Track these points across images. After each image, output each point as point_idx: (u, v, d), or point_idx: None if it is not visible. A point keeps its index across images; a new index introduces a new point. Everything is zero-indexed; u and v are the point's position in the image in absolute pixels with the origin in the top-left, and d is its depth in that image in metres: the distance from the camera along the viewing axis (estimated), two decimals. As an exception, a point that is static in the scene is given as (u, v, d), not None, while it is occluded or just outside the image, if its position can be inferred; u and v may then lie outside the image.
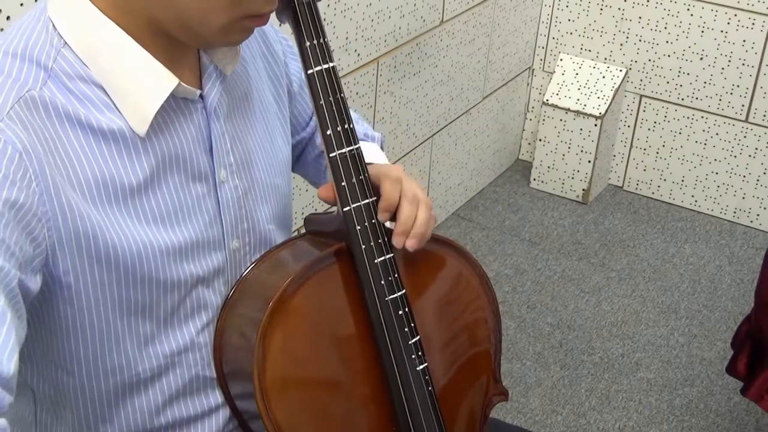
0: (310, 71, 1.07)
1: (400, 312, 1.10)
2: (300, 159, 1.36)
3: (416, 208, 1.11)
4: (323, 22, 1.08)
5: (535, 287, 2.88)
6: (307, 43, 1.06)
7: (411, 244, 1.10)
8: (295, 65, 1.25)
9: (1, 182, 0.88)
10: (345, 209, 1.08)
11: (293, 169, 1.37)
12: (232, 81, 1.11)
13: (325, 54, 1.07)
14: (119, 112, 0.98)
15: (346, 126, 1.08)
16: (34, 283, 0.93)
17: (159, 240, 1.02)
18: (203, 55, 1.06)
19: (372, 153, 1.27)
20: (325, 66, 1.07)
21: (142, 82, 0.97)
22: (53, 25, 0.97)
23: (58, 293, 0.97)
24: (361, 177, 1.08)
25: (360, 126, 1.33)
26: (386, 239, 1.10)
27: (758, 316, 1.95)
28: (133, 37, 0.97)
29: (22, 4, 1.53)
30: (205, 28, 0.97)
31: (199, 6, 0.94)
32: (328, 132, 1.07)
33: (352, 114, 1.34)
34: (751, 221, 3.24)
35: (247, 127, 1.12)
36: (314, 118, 1.29)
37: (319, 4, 1.07)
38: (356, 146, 1.08)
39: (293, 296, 1.05)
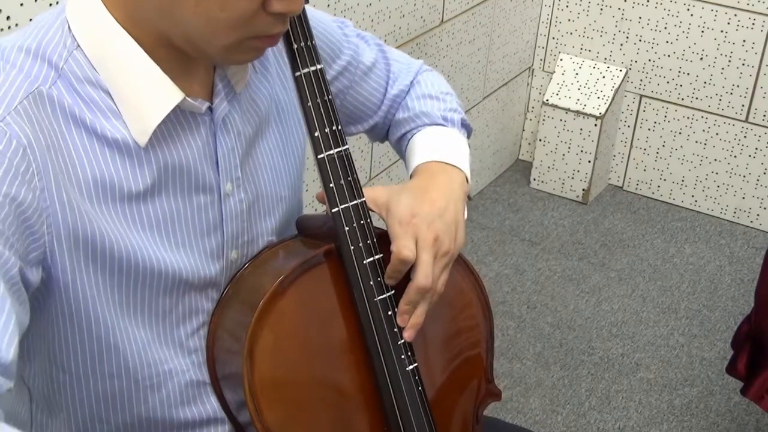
0: (297, 73, 1.07)
1: (389, 312, 1.10)
2: (388, 138, 1.34)
3: (417, 305, 1.11)
4: (311, 24, 1.08)
5: (535, 287, 2.88)
6: (295, 46, 1.07)
7: (408, 336, 1.11)
8: (350, 51, 1.24)
9: (2, 176, 0.89)
10: (333, 210, 1.08)
11: (391, 145, 1.36)
12: (247, 93, 1.10)
13: (313, 56, 1.07)
14: (123, 119, 0.98)
15: (334, 128, 1.08)
16: (33, 275, 0.93)
17: (154, 245, 1.02)
18: (218, 67, 1.06)
19: (442, 144, 1.23)
20: (313, 68, 1.07)
21: (147, 94, 0.98)
22: (69, 27, 0.97)
23: (55, 290, 0.98)
24: (350, 178, 1.09)
25: (441, 104, 1.29)
26: (375, 240, 1.10)
27: (758, 316, 1.95)
28: (144, 49, 0.97)
29: (22, 4, 1.53)
30: (210, 47, 0.96)
31: (203, 25, 0.94)
32: (316, 134, 1.08)
33: (444, 87, 1.31)
34: (751, 221, 3.24)
35: (259, 139, 1.12)
36: (385, 103, 1.28)
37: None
38: (344, 147, 1.09)
39: (282, 296, 1.05)
